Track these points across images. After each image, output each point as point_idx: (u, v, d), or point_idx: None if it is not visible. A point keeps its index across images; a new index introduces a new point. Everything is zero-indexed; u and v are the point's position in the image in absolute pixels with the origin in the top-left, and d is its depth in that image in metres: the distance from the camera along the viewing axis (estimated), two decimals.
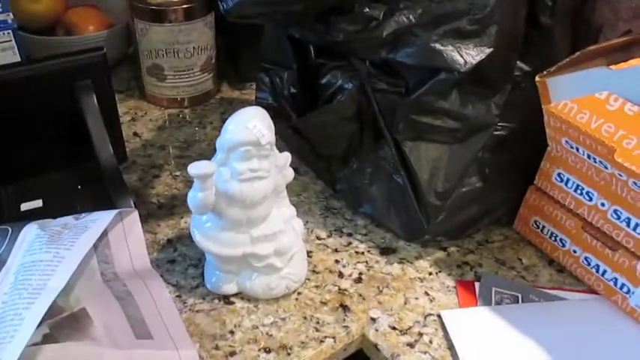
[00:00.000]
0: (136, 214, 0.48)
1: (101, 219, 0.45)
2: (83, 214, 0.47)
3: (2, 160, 0.56)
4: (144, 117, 0.76)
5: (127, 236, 0.48)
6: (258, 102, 0.63)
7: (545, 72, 0.50)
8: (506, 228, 0.61)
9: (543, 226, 0.57)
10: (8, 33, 0.62)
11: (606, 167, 0.48)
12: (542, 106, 0.51)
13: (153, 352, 0.44)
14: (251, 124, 0.45)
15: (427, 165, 0.53)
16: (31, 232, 0.44)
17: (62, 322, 0.42)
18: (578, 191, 0.53)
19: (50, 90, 0.56)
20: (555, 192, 0.55)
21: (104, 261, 0.46)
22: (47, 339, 0.41)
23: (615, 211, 0.50)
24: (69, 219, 0.46)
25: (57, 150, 0.59)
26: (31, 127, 0.56)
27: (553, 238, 0.57)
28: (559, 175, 0.54)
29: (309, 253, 0.57)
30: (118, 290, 0.46)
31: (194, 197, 0.46)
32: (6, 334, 0.37)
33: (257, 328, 0.50)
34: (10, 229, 0.46)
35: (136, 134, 0.73)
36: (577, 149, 0.50)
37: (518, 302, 0.53)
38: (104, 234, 0.46)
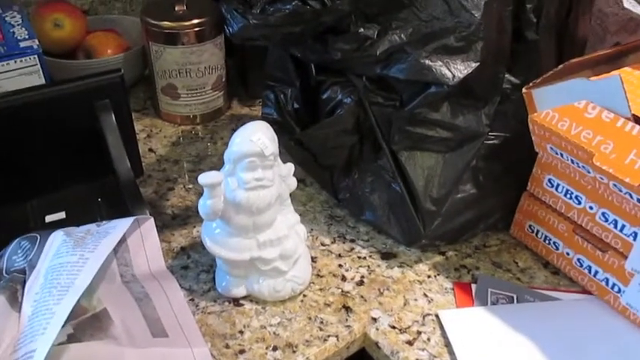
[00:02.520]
0: (151, 221, 0.52)
1: (120, 225, 0.49)
2: (104, 222, 0.51)
3: (28, 176, 0.60)
4: (159, 134, 0.80)
5: (144, 241, 0.51)
6: (264, 117, 0.67)
7: (531, 84, 0.54)
8: (502, 233, 0.64)
9: (537, 230, 0.60)
10: (34, 58, 0.65)
11: (589, 171, 0.51)
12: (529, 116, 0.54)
13: (168, 349, 0.47)
14: (255, 137, 0.48)
15: (422, 173, 0.57)
16: (57, 238, 0.48)
17: (85, 323, 0.45)
18: (568, 195, 0.55)
19: (72, 109, 0.59)
20: (547, 197, 0.58)
21: (123, 264, 0.50)
22: (71, 338, 0.44)
23: (603, 213, 0.52)
24: (91, 226, 0.50)
25: (78, 165, 0.62)
26: (55, 144, 0.60)
27: (547, 242, 0.59)
28: (549, 180, 0.57)
29: (314, 259, 0.60)
30: (136, 291, 0.49)
31: (204, 205, 0.49)
32: (39, 327, 0.41)
33: (265, 328, 0.53)
34: (38, 236, 0.49)
35: (151, 150, 0.77)
36: (561, 155, 0.53)
37: (513, 302, 0.56)
38: (123, 239, 0.50)
